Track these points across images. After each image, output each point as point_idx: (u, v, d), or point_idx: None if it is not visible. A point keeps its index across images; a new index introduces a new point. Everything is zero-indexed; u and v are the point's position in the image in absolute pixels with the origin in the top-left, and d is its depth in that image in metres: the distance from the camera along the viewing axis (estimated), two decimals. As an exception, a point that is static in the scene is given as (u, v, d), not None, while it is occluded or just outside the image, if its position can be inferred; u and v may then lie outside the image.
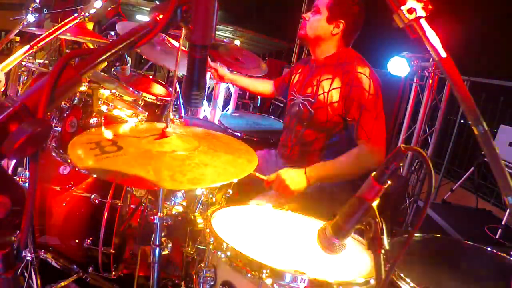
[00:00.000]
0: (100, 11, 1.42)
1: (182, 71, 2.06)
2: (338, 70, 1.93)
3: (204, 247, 1.25)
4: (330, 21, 1.95)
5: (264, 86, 2.63)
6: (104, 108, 1.95)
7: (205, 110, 5.13)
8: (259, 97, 6.33)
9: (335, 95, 1.90)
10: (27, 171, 1.74)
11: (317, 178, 1.77)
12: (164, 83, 2.98)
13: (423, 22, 0.68)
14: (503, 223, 2.88)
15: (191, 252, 1.55)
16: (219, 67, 2.63)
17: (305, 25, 2.03)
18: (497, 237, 2.78)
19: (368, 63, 1.95)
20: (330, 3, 1.94)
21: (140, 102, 2.36)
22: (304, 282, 1.03)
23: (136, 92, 2.40)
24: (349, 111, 1.84)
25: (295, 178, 1.74)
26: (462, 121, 4.55)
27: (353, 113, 1.83)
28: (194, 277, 1.25)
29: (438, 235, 1.52)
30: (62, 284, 1.89)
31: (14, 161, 1.86)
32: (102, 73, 2.33)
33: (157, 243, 1.42)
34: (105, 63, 0.68)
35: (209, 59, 2.65)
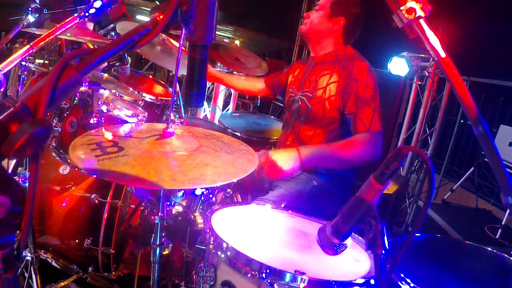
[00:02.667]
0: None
1: (182, 71, 2.06)
2: (336, 66, 1.95)
3: (204, 247, 1.25)
4: (331, 18, 1.99)
5: (252, 84, 2.59)
6: (104, 108, 1.95)
7: (205, 110, 5.12)
8: (259, 97, 6.31)
9: (332, 89, 1.91)
10: (27, 171, 1.74)
11: (311, 158, 1.73)
12: (164, 83, 2.98)
13: (422, 22, 0.68)
14: (503, 223, 2.88)
15: (191, 252, 1.56)
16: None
17: (306, 22, 2.06)
18: (497, 237, 2.78)
19: (366, 59, 1.97)
20: (332, 0, 1.99)
21: (140, 102, 2.36)
22: (304, 282, 1.03)
23: (136, 92, 2.40)
24: (346, 104, 1.85)
25: (287, 158, 1.70)
26: (462, 121, 4.55)
27: (350, 106, 1.83)
28: (194, 277, 1.25)
29: (438, 235, 1.52)
30: (62, 284, 1.89)
31: (14, 161, 1.86)
32: (102, 73, 2.33)
33: (157, 243, 1.42)
34: (105, 63, 0.68)
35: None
